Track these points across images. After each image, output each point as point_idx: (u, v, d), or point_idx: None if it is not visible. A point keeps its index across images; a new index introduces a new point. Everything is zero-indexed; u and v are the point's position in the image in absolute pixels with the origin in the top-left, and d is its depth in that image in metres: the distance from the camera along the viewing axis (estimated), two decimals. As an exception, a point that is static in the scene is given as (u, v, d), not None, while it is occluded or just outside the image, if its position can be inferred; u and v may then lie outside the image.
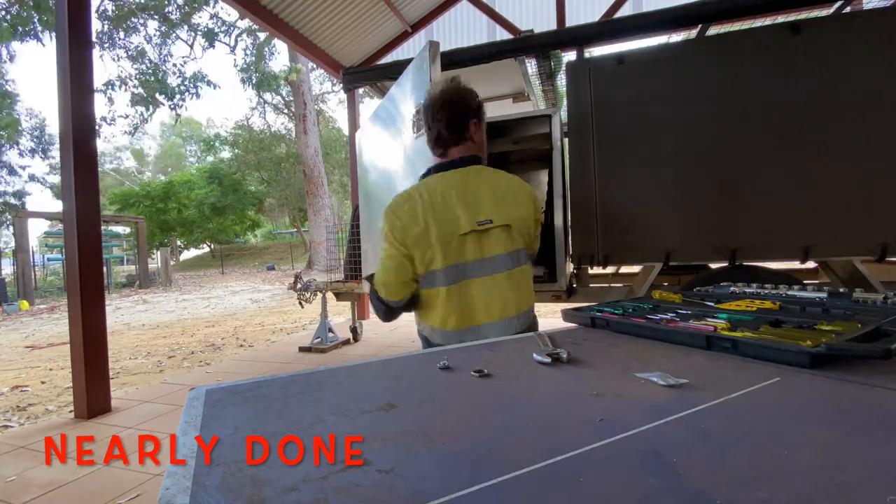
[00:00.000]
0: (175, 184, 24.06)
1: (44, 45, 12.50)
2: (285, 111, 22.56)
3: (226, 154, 26.31)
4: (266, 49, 17.35)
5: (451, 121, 1.38)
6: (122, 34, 14.34)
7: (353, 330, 5.04)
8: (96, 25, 13.68)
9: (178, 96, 14.97)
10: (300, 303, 4.65)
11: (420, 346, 1.48)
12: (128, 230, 19.56)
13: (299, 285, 4.64)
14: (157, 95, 14.98)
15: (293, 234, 29.33)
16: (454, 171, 1.39)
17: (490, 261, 1.34)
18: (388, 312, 1.45)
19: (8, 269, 15.09)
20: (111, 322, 7.80)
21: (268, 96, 21.77)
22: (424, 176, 1.43)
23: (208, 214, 23.24)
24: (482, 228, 1.32)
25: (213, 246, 26.99)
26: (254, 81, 17.88)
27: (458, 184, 1.36)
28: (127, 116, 15.84)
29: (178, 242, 24.76)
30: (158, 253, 19.04)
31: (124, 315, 9.33)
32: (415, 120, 1.47)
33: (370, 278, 1.44)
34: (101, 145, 34.07)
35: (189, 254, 29.62)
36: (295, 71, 15.68)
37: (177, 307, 10.27)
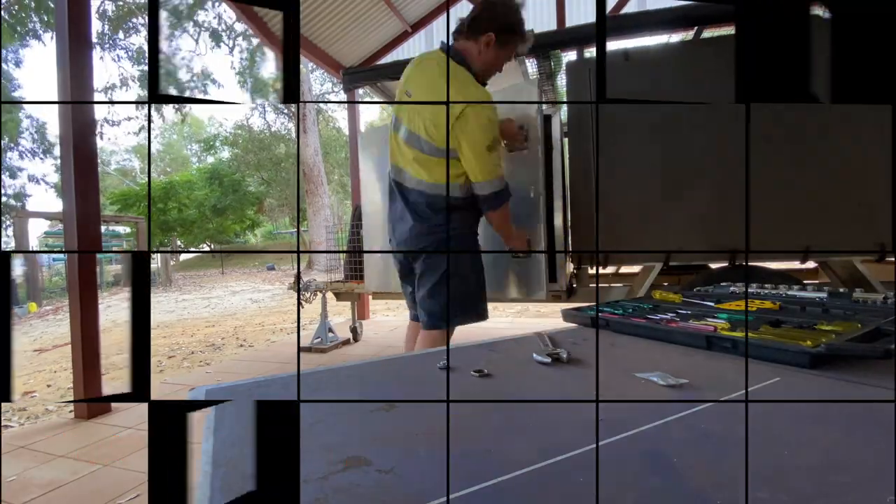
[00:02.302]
0: (175, 184, 24.08)
1: (45, 44, 12.50)
2: (285, 111, 22.54)
3: (225, 154, 26.33)
4: (259, 53, 17.30)
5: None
6: (122, 35, 14.33)
7: (353, 330, 5.03)
8: (96, 26, 13.68)
9: (186, 93, 14.96)
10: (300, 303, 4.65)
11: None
12: (128, 230, 19.56)
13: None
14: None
15: (293, 234, 29.33)
16: None
17: None
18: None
19: (16, 270, 15.01)
20: (111, 322, 7.80)
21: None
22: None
23: (208, 215, 23.26)
24: None
25: (212, 246, 26.98)
26: (249, 86, 17.87)
27: None
28: (130, 119, 15.81)
29: (179, 242, 24.76)
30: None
31: (124, 315, 9.31)
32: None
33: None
34: (106, 145, 34.22)
35: (189, 253, 29.61)
36: None
37: (177, 307, 10.27)
